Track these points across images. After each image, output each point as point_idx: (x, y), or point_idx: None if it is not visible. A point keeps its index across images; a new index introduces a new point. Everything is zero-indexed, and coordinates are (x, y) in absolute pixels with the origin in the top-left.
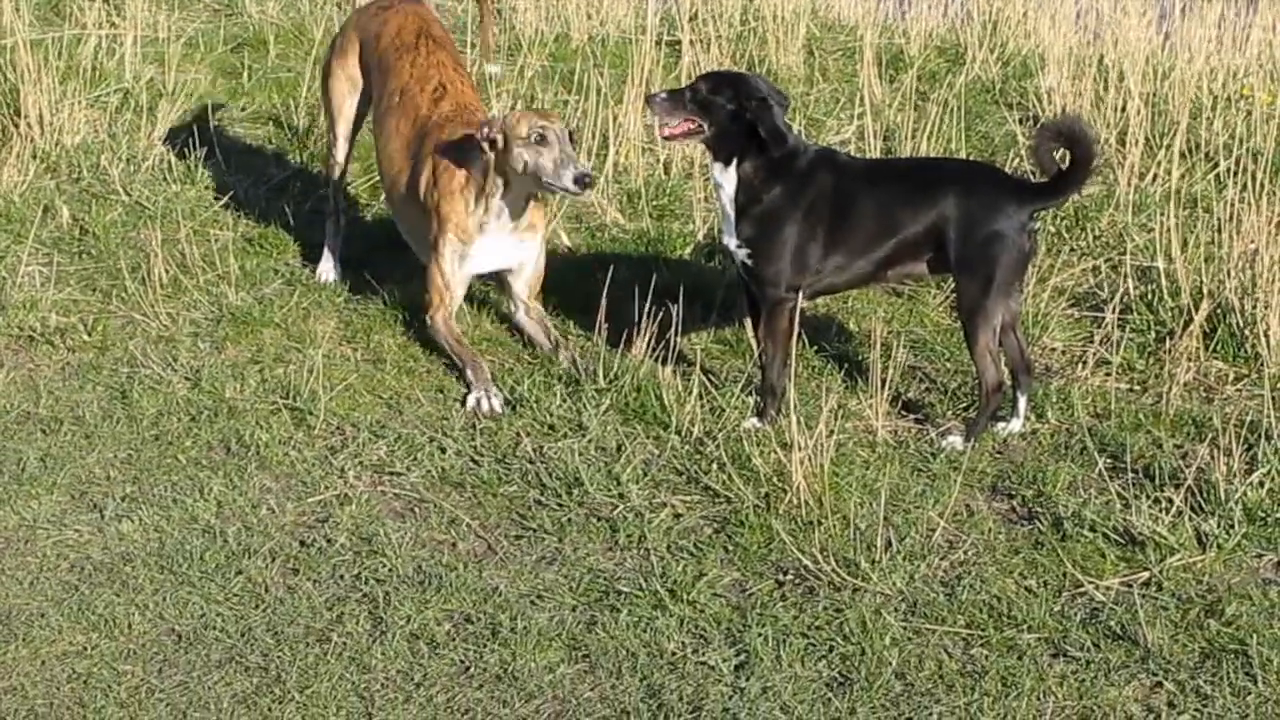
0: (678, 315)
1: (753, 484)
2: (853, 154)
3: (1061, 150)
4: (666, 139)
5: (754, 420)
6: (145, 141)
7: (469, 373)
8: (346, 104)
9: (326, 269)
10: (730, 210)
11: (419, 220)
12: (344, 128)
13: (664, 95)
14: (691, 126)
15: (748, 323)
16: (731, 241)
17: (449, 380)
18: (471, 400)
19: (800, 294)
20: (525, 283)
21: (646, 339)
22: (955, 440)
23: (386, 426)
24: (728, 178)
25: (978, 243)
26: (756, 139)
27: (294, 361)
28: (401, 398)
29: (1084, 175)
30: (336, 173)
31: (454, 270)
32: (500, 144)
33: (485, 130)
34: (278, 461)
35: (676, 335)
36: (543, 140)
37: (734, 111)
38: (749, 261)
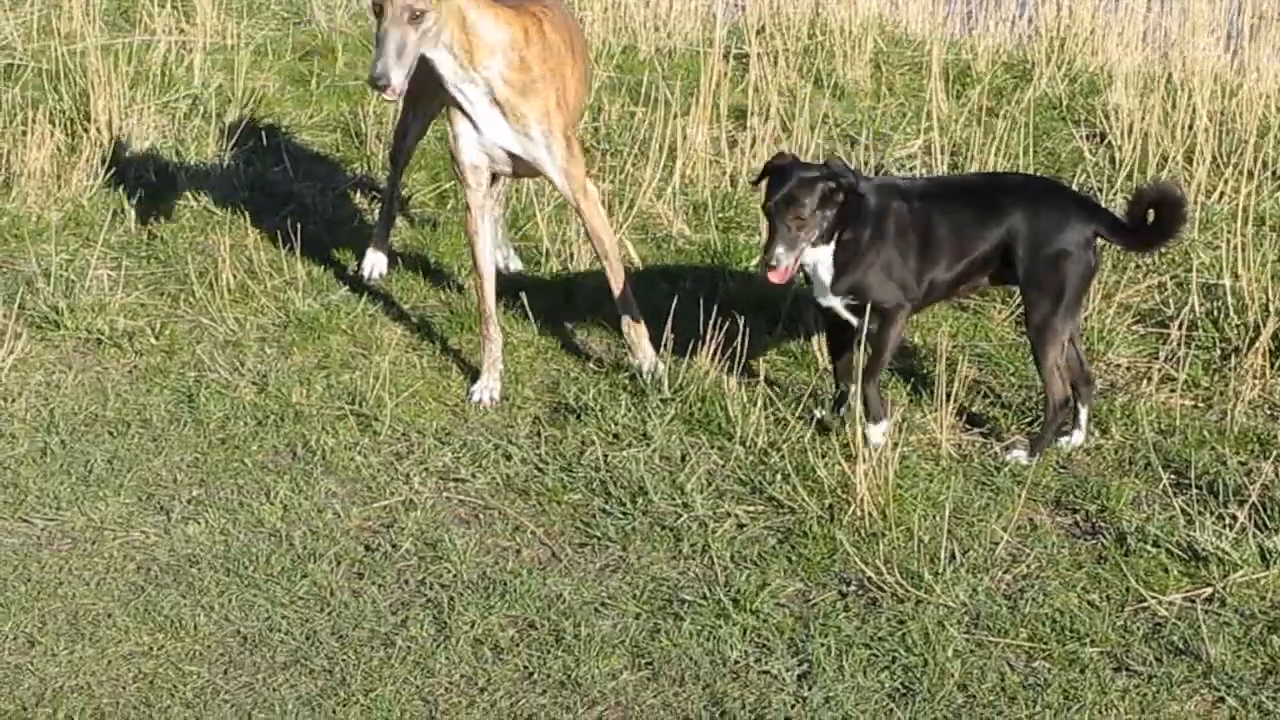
0: (743, 326)
1: (816, 495)
2: (911, 175)
3: (1151, 210)
4: (786, 281)
5: (879, 427)
6: (213, 147)
7: (483, 344)
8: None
9: (374, 262)
10: (828, 277)
11: None
12: (413, 112)
13: (781, 251)
14: (799, 252)
15: (818, 344)
16: (835, 301)
17: (515, 388)
18: (476, 389)
19: (910, 309)
20: (552, 175)
21: (712, 350)
22: (1020, 454)
23: (452, 433)
24: (823, 253)
25: (1046, 259)
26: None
27: (360, 367)
28: (467, 405)
29: (1168, 235)
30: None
31: (455, 149)
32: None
33: None
34: (343, 466)
35: (742, 346)
36: (379, 10)
37: (833, 209)
38: (854, 302)
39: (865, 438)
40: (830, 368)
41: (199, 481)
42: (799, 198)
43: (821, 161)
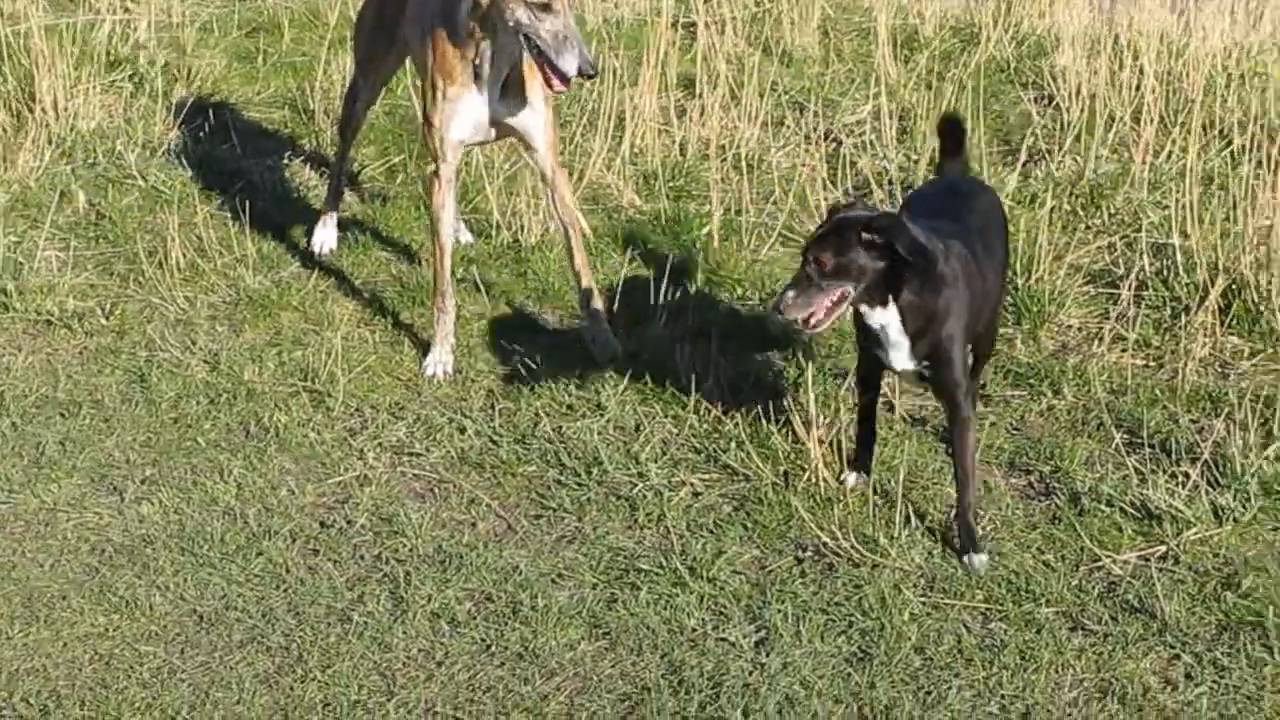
0: (695, 294)
1: (771, 462)
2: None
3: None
4: (816, 330)
5: (980, 558)
6: (161, 126)
7: (435, 319)
8: (371, 46)
9: (323, 239)
10: (903, 340)
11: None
12: (363, 79)
13: (791, 295)
14: (835, 297)
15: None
16: (910, 364)
17: (467, 361)
18: (428, 362)
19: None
20: (540, 145)
21: (664, 320)
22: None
23: (405, 408)
24: (890, 316)
25: None
26: (905, 267)
27: (312, 344)
28: (420, 379)
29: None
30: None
31: (444, 122)
32: None
33: None
34: (297, 443)
35: (693, 315)
36: (546, 8)
37: (870, 257)
38: (928, 374)
39: (968, 565)
40: (857, 429)
41: (152, 461)
42: (826, 239)
43: (877, 210)
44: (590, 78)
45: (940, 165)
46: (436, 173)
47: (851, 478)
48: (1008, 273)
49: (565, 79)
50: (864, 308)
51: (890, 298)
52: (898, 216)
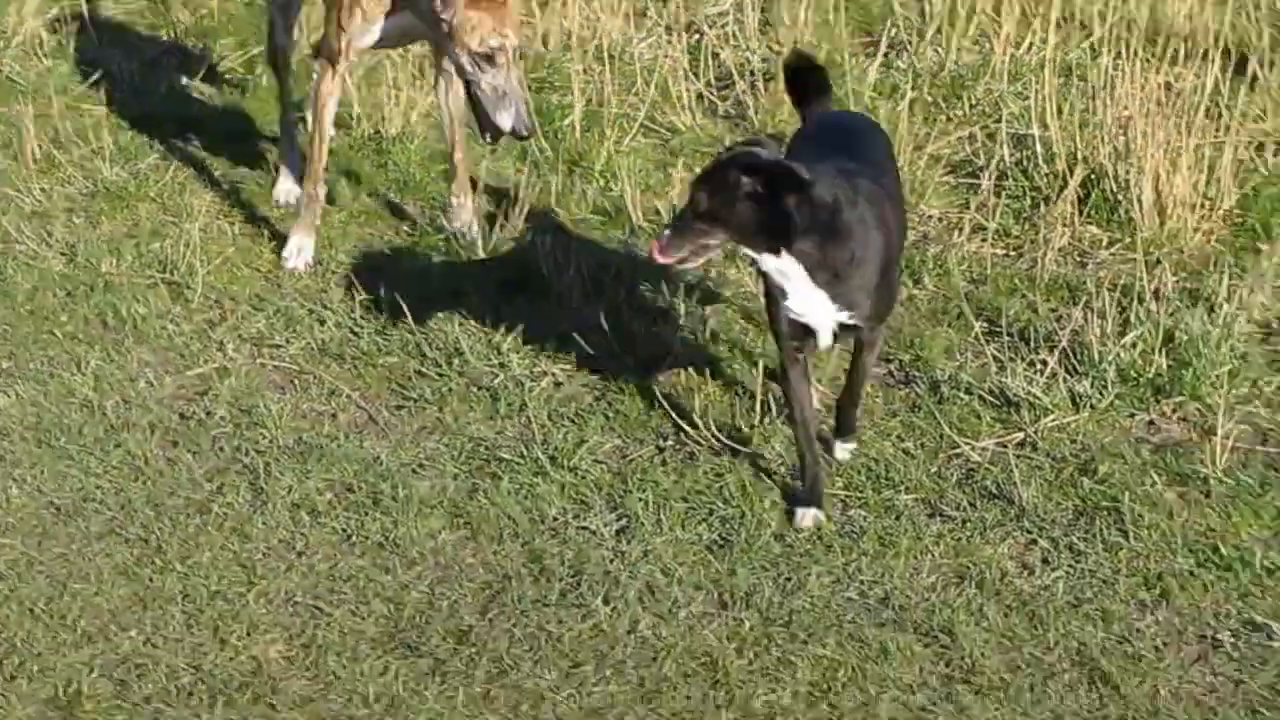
0: (556, 186)
1: (633, 352)
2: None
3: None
4: (684, 268)
5: (814, 513)
6: (15, 17)
7: (304, 206)
8: None
9: (284, 189)
10: (816, 291)
11: None
12: (281, 17)
13: (667, 235)
14: (700, 244)
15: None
16: (841, 316)
17: (328, 253)
18: (288, 253)
19: None
20: (453, 45)
21: (525, 211)
22: None
23: (265, 300)
24: (789, 265)
25: None
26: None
27: (171, 236)
28: (280, 271)
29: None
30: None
31: (356, 32)
32: (447, 29)
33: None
34: (155, 335)
35: (555, 205)
36: (490, 61)
37: (748, 203)
38: (855, 322)
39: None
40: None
41: (8, 354)
42: (702, 177)
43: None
44: (523, 139)
45: (806, 108)
46: (333, 65)
47: (804, 516)
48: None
49: (496, 135)
50: (754, 255)
51: (782, 248)
52: (787, 164)
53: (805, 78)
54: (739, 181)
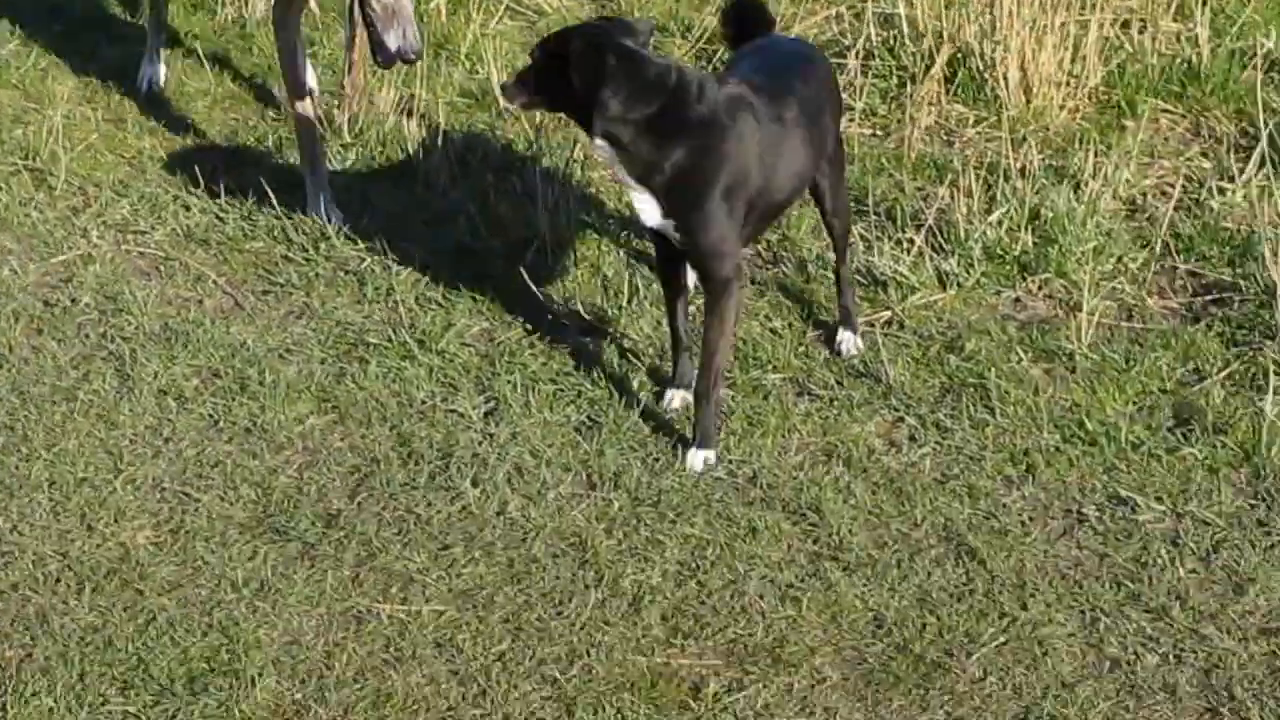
0: (423, 68)
1: (501, 234)
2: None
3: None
4: (521, 107)
5: (705, 454)
6: None
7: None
8: None
9: (149, 73)
10: (642, 188)
11: None
12: None
13: (508, 83)
14: (533, 98)
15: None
16: (667, 225)
17: (192, 138)
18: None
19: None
20: None
21: (394, 95)
22: None
23: (129, 186)
24: (603, 149)
25: None
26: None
27: (33, 122)
28: (144, 156)
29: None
30: None
31: None
32: None
33: None
34: (18, 223)
35: (422, 88)
36: None
37: (566, 77)
38: (680, 237)
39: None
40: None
41: None
42: (538, 45)
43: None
44: (409, 63)
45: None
46: None
47: (672, 398)
48: (842, 149)
49: (390, 60)
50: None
51: (590, 127)
52: (616, 49)
53: (747, 16)
54: (548, 49)
